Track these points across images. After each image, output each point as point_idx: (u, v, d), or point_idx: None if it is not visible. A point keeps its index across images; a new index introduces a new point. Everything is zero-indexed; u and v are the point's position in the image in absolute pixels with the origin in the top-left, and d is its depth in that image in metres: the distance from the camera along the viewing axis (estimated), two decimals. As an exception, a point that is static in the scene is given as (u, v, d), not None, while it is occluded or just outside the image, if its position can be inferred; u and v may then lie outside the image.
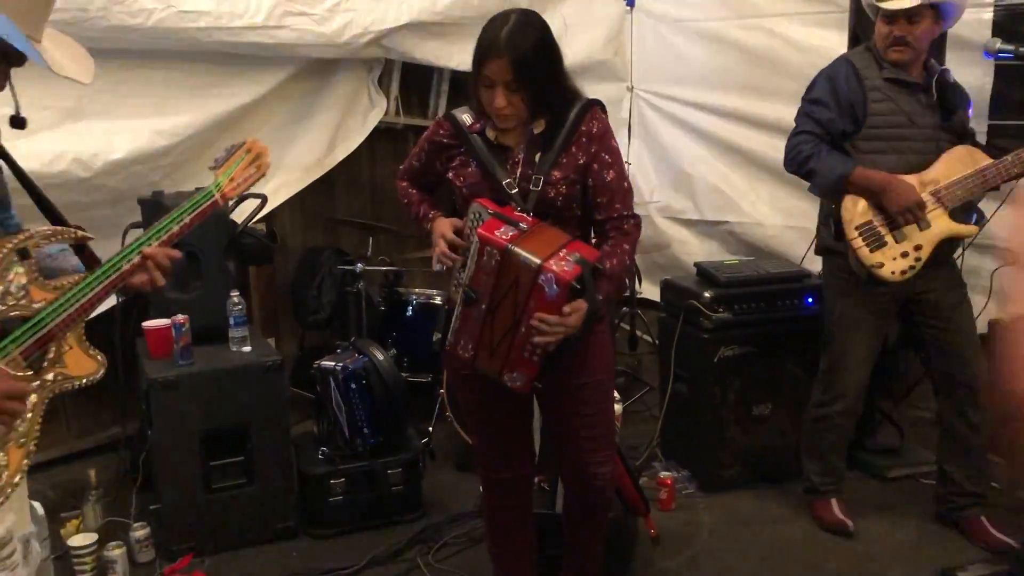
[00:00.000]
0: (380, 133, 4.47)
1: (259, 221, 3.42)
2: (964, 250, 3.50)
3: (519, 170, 2.19)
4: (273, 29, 3.63)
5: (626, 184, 2.22)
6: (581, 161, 2.17)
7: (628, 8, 5.07)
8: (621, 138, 5.16)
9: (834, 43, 3.74)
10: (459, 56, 4.21)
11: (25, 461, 1.66)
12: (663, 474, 3.40)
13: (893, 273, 2.88)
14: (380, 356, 3.29)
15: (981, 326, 3.65)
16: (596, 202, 2.19)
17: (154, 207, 3.22)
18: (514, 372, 2.13)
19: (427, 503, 3.36)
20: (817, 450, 3.20)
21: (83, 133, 3.37)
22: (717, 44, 4.71)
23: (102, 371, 1.76)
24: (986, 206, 3.18)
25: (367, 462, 3.22)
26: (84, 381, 1.74)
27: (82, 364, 1.74)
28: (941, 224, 2.90)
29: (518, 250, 2.05)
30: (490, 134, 2.21)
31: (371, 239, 4.24)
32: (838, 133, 2.93)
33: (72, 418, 3.79)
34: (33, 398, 1.66)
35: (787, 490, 3.40)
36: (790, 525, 3.22)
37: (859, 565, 2.96)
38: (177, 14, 3.38)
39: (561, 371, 2.19)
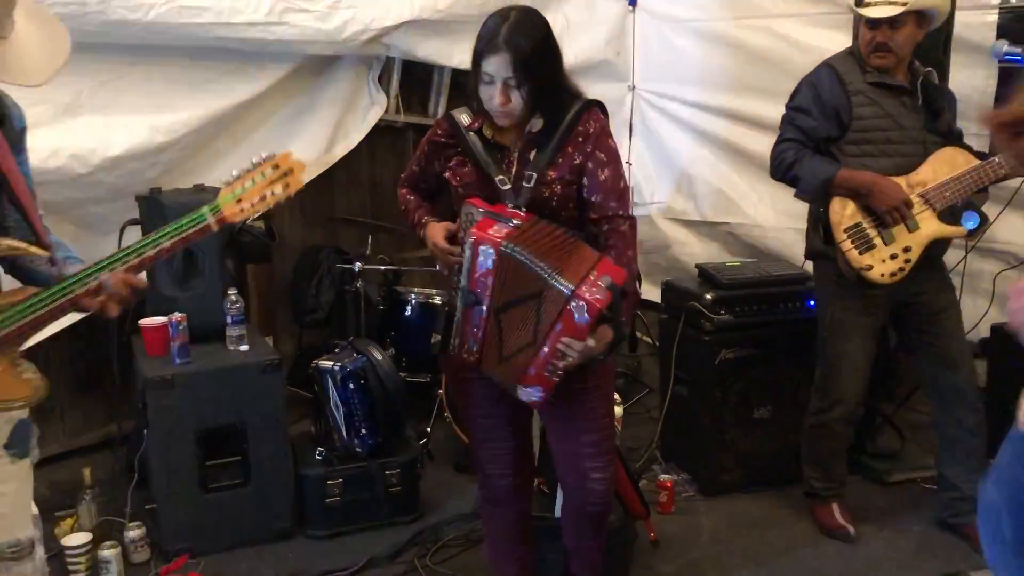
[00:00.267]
0: (380, 131, 4.45)
1: (258, 219, 3.40)
2: (967, 254, 3.51)
3: (514, 168, 2.17)
4: (274, 25, 3.61)
5: (622, 184, 2.20)
6: (577, 161, 2.15)
7: (630, 8, 5.05)
8: (622, 138, 5.14)
9: (837, 44, 3.69)
10: (460, 55, 4.19)
11: None
12: (663, 477, 3.38)
13: (883, 275, 2.87)
14: (378, 356, 3.27)
15: (983, 330, 3.65)
16: (590, 201, 2.17)
17: (152, 204, 3.21)
18: (530, 388, 2.11)
19: (425, 504, 3.34)
20: (817, 457, 3.18)
21: (81, 129, 3.35)
22: (720, 44, 4.68)
23: (37, 396, 1.61)
24: (989, 210, 3.16)
25: (365, 463, 3.20)
26: (20, 404, 1.58)
27: (12, 389, 1.56)
28: (930, 226, 2.89)
29: (536, 263, 2.01)
30: (487, 132, 2.19)
31: (370, 238, 4.23)
32: (822, 139, 2.93)
33: (67, 416, 3.76)
34: None
35: (788, 494, 3.38)
36: (791, 529, 3.20)
37: (860, 570, 2.95)
38: (177, 9, 3.36)
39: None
